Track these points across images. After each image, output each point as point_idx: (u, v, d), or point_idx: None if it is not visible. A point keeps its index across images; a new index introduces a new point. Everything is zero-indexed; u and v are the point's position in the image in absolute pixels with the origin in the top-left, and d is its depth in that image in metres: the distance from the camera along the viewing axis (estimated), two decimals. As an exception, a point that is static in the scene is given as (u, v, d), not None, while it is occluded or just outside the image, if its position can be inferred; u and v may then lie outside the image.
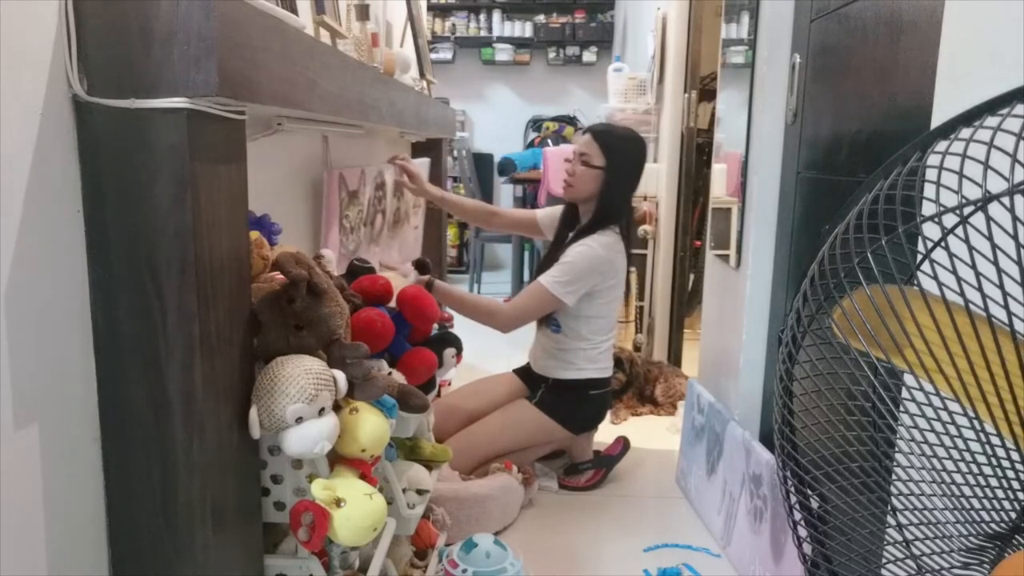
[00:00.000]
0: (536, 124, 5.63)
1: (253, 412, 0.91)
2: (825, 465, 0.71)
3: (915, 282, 0.57)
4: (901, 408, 0.62)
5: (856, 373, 0.64)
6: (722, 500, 1.91)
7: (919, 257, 0.56)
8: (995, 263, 0.50)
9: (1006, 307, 0.51)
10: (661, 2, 3.45)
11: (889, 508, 0.67)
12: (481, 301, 2.14)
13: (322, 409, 0.94)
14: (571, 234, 2.18)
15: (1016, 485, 0.57)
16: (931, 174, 0.57)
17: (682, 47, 3.21)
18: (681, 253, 3.30)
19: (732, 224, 2.03)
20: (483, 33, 5.94)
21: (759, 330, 1.90)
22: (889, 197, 0.59)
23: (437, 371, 1.42)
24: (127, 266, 0.81)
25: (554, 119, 5.51)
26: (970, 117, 0.57)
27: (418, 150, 2.84)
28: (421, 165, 2.42)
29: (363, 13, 1.81)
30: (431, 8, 5.77)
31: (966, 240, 0.52)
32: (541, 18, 5.87)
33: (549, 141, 5.12)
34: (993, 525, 0.60)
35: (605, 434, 2.38)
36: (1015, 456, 0.56)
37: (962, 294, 0.53)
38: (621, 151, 2.13)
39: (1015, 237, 0.49)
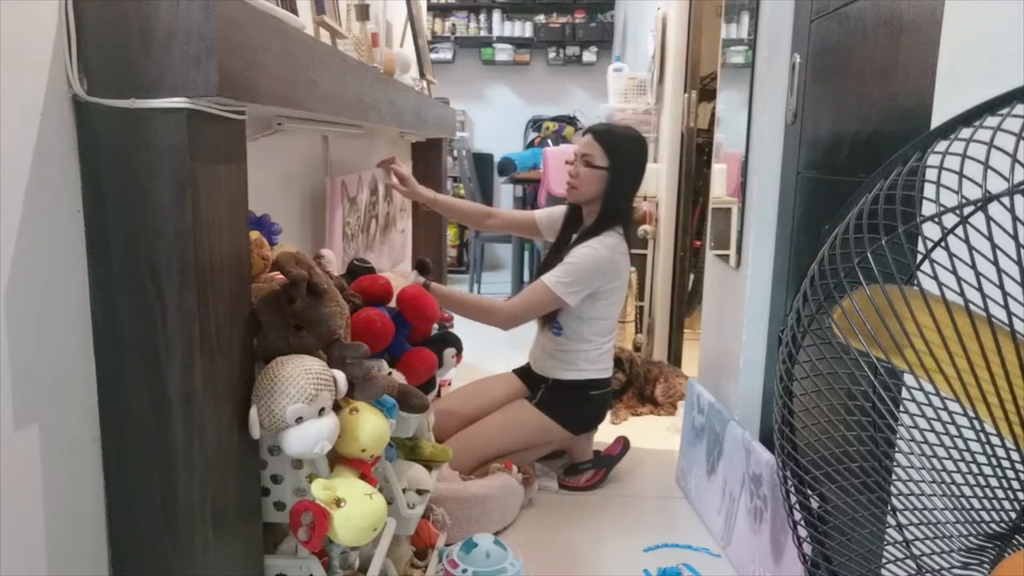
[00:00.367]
0: (536, 124, 5.63)
1: (253, 412, 0.91)
2: (825, 465, 0.71)
3: (915, 282, 0.57)
4: (901, 408, 0.62)
5: (856, 373, 0.64)
6: (722, 500, 1.91)
7: (919, 257, 0.56)
8: (995, 263, 0.50)
9: (1006, 307, 0.51)
10: (661, 2, 3.45)
11: (889, 508, 0.67)
12: (480, 300, 2.14)
13: (322, 409, 0.94)
14: (575, 236, 2.17)
15: (1016, 485, 0.57)
16: (931, 174, 0.57)
17: (682, 47, 3.21)
18: (681, 253, 3.30)
19: (732, 224, 2.03)
20: (483, 33, 5.94)
21: (759, 330, 1.90)
22: (889, 197, 0.59)
23: (437, 371, 1.42)
24: (127, 266, 0.81)
25: (554, 119, 5.51)
26: (970, 117, 0.57)
27: (418, 150, 2.84)
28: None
29: (363, 13, 1.81)
30: (431, 8, 5.77)
31: (966, 240, 0.52)
32: (541, 18, 5.87)
33: (549, 141, 5.12)
34: (993, 525, 0.60)
35: (605, 434, 2.38)
36: (1015, 456, 0.56)
37: (962, 294, 0.53)
38: (624, 151, 2.12)
39: (1015, 237, 0.49)
